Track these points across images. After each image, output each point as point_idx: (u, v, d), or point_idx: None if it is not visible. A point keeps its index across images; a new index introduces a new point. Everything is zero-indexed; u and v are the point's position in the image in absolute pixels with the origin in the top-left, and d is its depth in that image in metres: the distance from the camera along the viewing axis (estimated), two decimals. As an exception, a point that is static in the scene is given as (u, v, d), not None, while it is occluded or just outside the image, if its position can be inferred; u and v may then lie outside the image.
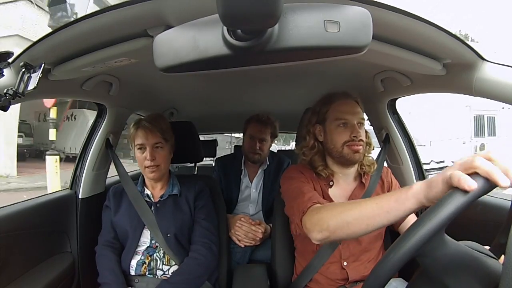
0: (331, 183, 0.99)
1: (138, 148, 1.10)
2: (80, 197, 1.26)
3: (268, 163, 1.67)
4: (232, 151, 2.32)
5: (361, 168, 1.01)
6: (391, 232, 1.10)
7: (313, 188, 0.93)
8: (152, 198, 1.14)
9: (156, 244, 1.07)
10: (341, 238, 0.74)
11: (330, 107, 0.98)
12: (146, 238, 1.09)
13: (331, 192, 0.98)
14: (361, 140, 0.94)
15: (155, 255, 1.06)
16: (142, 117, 1.16)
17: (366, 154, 1.01)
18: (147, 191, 1.15)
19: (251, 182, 1.65)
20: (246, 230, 1.37)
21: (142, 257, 1.06)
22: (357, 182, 1.02)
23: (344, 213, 0.64)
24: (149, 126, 1.10)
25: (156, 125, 1.10)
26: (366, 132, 1.02)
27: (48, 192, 1.44)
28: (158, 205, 1.11)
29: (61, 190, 1.32)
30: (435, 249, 0.45)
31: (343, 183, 1.01)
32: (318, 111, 1.01)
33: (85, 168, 1.28)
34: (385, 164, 1.30)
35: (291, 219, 0.91)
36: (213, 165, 2.83)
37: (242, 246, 1.36)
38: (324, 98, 1.01)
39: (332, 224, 0.65)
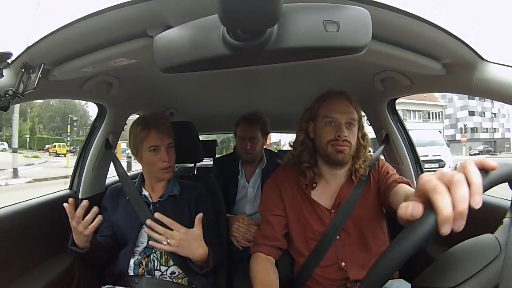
0: (314, 185, 0.99)
1: (151, 150, 1.07)
2: (80, 197, 1.26)
3: (266, 162, 1.65)
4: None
5: (353, 166, 0.99)
6: (393, 229, 1.09)
7: (282, 204, 1.01)
8: (150, 199, 1.13)
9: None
10: None
11: (322, 104, 0.97)
12: (143, 239, 1.08)
13: (314, 193, 0.98)
14: (346, 140, 0.92)
15: (152, 255, 1.05)
16: (146, 118, 1.11)
17: (362, 158, 0.98)
18: (144, 192, 1.14)
19: (248, 182, 1.64)
20: (244, 231, 1.36)
21: (139, 257, 1.05)
22: (346, 179, 1.00)
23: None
24: (161, 127, 1.08)
25: (166, 126, 1.10)
26: (365, 135, 1.01)
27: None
28: (157, 205, 1.10)
29: (61, 190, 1.31)
30: None
31: (330, 182, 1.00)
32: (311, 108, 1.01)
33: (85, 168, 1.28)
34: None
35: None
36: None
37: (240, 248, 1.35)
38: (319, 96, 1.01)
39: None
